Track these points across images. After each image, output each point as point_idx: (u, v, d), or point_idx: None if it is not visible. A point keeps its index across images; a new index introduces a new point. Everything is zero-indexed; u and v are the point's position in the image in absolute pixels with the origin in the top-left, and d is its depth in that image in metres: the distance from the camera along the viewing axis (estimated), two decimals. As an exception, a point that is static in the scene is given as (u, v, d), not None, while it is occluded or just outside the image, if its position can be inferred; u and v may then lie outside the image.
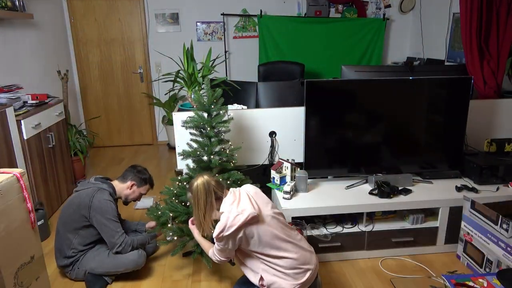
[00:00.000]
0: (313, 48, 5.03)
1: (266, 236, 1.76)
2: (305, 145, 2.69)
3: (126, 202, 2.52)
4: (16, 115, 2.82)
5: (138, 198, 2.53)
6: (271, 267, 1.80)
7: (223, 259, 1.87)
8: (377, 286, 2.32)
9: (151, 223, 2.63)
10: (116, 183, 2.45)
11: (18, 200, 1.66)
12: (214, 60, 3.06)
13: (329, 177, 2.90)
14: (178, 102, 5.06)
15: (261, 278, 1.81)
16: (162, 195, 2.62)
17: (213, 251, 1.89)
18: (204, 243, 2.01)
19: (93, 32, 4.93)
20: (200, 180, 1.82)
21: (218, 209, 1.84)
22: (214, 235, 1.75)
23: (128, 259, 2.31)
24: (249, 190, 1.90)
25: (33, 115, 3.02)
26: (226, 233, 1.71)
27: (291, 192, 2.56)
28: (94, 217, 2.24)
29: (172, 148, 5.17)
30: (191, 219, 2.13)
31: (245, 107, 3.07)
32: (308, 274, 1.81)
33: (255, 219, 1.74)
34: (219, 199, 1.84)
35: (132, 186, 2.46)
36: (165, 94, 5.14)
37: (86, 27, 4.90)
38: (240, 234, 1.73)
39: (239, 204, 1.77)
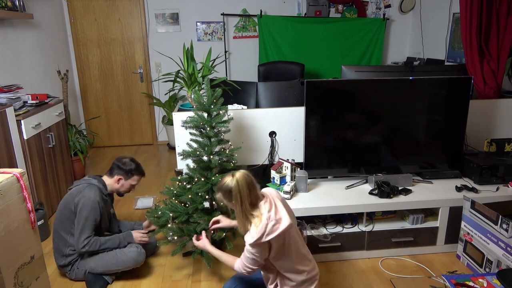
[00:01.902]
0: (313, 48, 5.03)
1: (292, 246, 1.74)
2: (305, 145, 2.69)
3: (120, 194, 2.49)
4: (16, 115, 2.82)
5: (130, 189, 2.47)
6: (286, 277, 1.78)
7: (254, 267, 1.73)
8: (377, 286, 2.32)
9: (146, 223, 2.64)
10: (105, 178, 2.42)
11: (18, 200, 1.66)
12: (214, 60, 3.06)
13: (329, 177, 2.90)
14: (178, 102, 5.06)
15: (276, 285, 1.81)
16: (162, 195, 2.62)
17: (242, 263, 1.75)
18: (225, 257, 1.87)
19: (93, 32, 4.93)
20: (238, 174, 1.70)
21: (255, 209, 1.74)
22: (251, 241, 1.65)
23: (128, 256, 2.31)
24: (277, 196, 1.81)
25: (33, 115, 3.02)
26: (264, 239, 1.63)
27: (291, 192, 2.56)
28: (77, 212, 2.23)
29: (172, 148, 5.18)
30: (194, 236, 2.12)
31: (245, 107, 3.07)
32: (315, 283, 1.84)
33: (290, 230, 1.69)
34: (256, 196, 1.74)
35: (119, 180, 2.40)
36: (165, 94, 5.14)
37: (86, 27, 4.90)
38: (275, 244, 1.68)
39: (277, 212, 1.70)
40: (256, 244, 1.65)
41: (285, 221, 1.66)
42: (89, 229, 2.24)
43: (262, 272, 1.88)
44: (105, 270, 2.31)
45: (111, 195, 2.50)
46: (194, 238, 2.13)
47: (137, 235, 2.42)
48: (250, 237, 1.66)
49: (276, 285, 1.82)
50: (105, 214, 2.39)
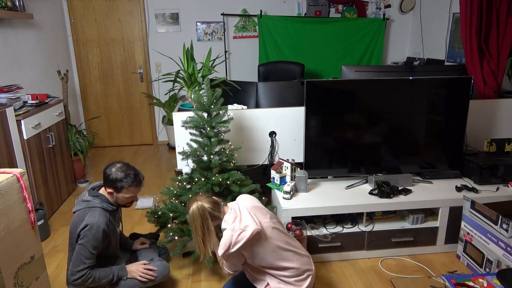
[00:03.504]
0: (313, 48, 5.03)
1: (270, 248, 1.78)
2: (305, 145, 2.69)
3: (123, 206, 2.16)
4: (16, 115, 2.82)
5: (131, 200, 2.13)
6: (275, 277, 1.83)
7: (231, 272, 1.87)
8: (377, 286, 2.32)
9: (137, 245, 2.41)
10: (103, 191, 2.11)
11: (18, 200, 1.66)
12: (214, 60, 3.06)
13: (329, 177, 2.90)
14: (178, 102, 5.07)
15: (267, 284, 1.84)
16: (162, 195, 2.61)
17: (222, 265, 1.89)
18: (217, 246, 1.93)
19: (93, 32, 4.93)
20: (194, 206, 1.80)
21: (219, 226, 1.85)
22: (220, 253, 1.75)
23: (155, 271, 2.15)
24: (247, 203, 1.89)
25: (33, 115, 3.02)
26: (232, 250, 1.72)
27: (291, 192, 2.56)
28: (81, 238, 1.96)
29: (172, 148, 5.17)
30: None
31: (245, 107, 3.07)
32: (309, 279, 1.86)
33: (259, 234, 1.75)
34: (217, 219, 1.85)
35: (110, 194, 2.07)
36: (165, 94, 5.14)
37: (86, 27, 4.90)
38: (245, 250, 1.75)
39: (241, 220, 1.77)
40: (225, 256, 1.75)
41: (251, 228, 1.72)
42: (88, 258, 1.95)
43: (252, 276, 1.91)
44: None
45: (119, 208, 2.20)
46: None
47: (136, 268, 2.13)
48: (220, 250, 1.75)
49: (267, 284, 1.84)
50: (113, 238, 2.10)
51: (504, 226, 2.16)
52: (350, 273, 2.45)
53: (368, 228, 2.57)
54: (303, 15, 5.09)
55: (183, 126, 2.47)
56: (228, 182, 2.37)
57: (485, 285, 2.07)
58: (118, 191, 2.05)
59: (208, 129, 2.37)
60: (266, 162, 2.95)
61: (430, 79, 2.69)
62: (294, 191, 2.63)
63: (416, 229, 2.59)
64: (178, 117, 2.77)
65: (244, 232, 1.71)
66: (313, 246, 2.51)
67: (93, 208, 2.01)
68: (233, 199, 2.39)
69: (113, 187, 2.04)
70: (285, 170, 2.71)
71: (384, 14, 5.14)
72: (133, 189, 2.08)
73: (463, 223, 2.51)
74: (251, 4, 5.02)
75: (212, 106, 2.40)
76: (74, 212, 2.07)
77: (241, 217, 1.78)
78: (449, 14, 4.40)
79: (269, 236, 1.80)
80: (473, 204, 2.40)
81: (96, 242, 1.96)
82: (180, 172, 2.83)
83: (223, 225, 1.81)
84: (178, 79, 2.82)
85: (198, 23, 5.06)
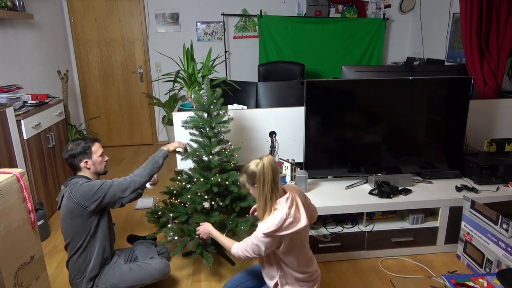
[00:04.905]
0: (313, 48, 5.03)
1: (304, 246, 1.78)
2: (305, 145, 2.69)
3: (103, 173, 2.22)
4: (16, 115, 2.82)
5: (103, 161, 2.19)
6: (290, 275, 1.80)
7: (253, 255, 1.74)
8: (377, 286, 2.32)
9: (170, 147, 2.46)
10: (80, 174, 2.14)
11: (18, 200, 1.66)
12: (214, 60, 3.06)
13: (329, 177, 2.90)
14: (178, 102, 5.06)
15: (277, 284, 1.82)
16: (162, 195, 2.62)
17: (243, 247, 1.77)
18: (224, 240, 1.91)
19: (93, 32, 4.93)
20: (266, 159, 1.70)
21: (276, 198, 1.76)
22: (265, 231, 1.64)
23: (154, 268, 2.16)
24: (301, 197, 1.82)
25: (33, 115, 3.02)
26: (279, 233, 1.65)
27: (291, 192, 2.56)
28: (92, 203, 1.99)
29: (172, 148, 5.17)
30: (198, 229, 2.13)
31: (245, 107, 3.07)
32: (317, 284, 1.86)
33: (304, 231, 1.74)
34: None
35: (86, 163, 2.11)
36: (165, 94, 5.14)
37: (86, 27, 4.90)
38: (286, 240, 1.70)
39: (297, 210, 1.72)
40: (268, 235, 1.65)
41: (303, 221, 1.69)
42: (107, 183, 2.03)
43: (265, 269, 1.89)
44: (129, 286, 2.10)
45: None
46: (197, 229, 2.14)
47: (174, 144, 2.41)
48: (264, 227, 1.65)
49: (277, 284, 1.83)
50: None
51: (504, 226, 2.16)
52: (350, 273, 2.45)
53: (368, 228, 2.57)
54: (303, 15, 5.09)
55: (183, 126, 2.47)
56: (227, 183, 2.37)
57: (485, 285, 2.07)
58: (89, 155, 2.12)
59: (208, 129, 2.37)
60: (266, 162, 2.95)
61: (430, 79, 2.69)
62: (294, 191, 2.62)
63: (416, 229, 2.59)
64: (178, 117, 2.77)
65: (296, 222, 1.67)
66: (313, 246, 2.50)
67: (73, 183, 2.03)
68: (233, 200, 2.41)
69: (84, 154, 2.10)
70: (285, 170, 2.71)
71: (384, 14, 5.14)
72: (97, 145, 2.18)
73: (463, 223, 2.51)
74: (251, 4, 5.02)
75: (212, 106, 2.39)
76: (59, 207, 2.07)
77: (298, 207, 1.73)
78: (449, 14, 4.40)
79: (304, 236, 1.79)
80: (473, 204, 2.40)
81: (95, 183, 2.02)
82: (180, 172, 2.83)
83: (276, 205, 1.71)
84: (178, 79, 2.82)
85: (198, 23, 5.06)
